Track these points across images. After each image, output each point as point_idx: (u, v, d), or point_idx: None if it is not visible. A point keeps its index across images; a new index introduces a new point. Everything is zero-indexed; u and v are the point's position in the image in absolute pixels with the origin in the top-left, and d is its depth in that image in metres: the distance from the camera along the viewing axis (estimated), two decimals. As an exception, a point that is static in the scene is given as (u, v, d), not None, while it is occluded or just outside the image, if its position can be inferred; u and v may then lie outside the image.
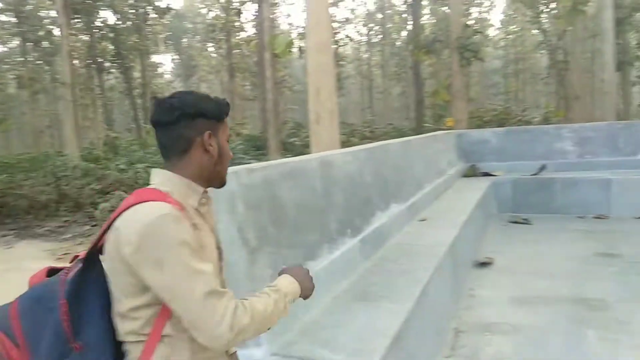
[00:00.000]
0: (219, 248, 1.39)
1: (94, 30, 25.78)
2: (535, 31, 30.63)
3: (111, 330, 1.24)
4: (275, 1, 28.30)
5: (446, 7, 27.76)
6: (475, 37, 13.33)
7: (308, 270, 1.49)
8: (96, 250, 1.26)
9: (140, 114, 27.42)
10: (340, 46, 29.66)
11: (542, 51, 29.72)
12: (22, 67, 29.10)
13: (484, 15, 39.94)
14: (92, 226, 9.92)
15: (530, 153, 8.75)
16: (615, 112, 13.04)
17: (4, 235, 9.81)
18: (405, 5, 31.73)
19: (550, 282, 4.75)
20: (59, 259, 7.72)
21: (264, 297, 1.29)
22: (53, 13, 23.89)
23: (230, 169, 2.57)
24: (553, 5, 21.65)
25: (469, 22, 17.67)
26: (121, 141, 20.98)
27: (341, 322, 2.66)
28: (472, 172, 8.66)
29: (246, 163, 4.79)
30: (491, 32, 40.84)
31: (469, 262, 5.31)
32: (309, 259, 3.02)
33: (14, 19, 27.65)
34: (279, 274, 1.44)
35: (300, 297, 1.42)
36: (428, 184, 6.38)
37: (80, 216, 11.04)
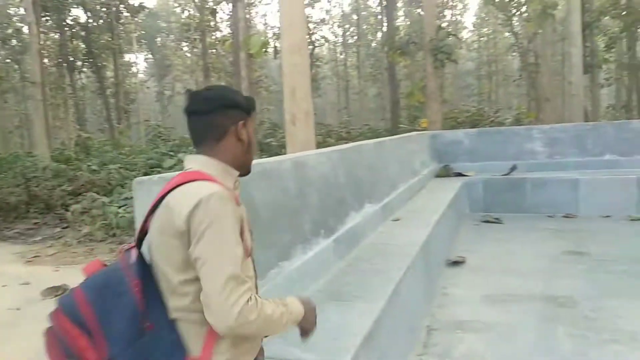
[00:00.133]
0: (250, 231, 1.46)
1: (65, 29, 25.27)
2: (507, 34, 31.21)
3: None
4: (251, 1, 28.20)
5: (420, 10, 28.09)
6: (448, 39, 13.48)
7: (315, 307, 1.52)
8: (144, 234, 1.36)
9: (113, 114, 26.96)
10: (316, 47, 29.70)
11: (514, 54, 30.30)
12: (-11, 66, 28.32)
13: (458, 17, 40.55)
14: (63, 228, 9.71)
15: (501, 154, 8.91)
16: (583, 113, 13.35)
17: (-29, 238, 9.53)
18: (380, 7, 31.97)
19: (521, 280, 4.85)
20: (29, 262, 7.54)
21: (273, 304, 1.32)
22: (22, 11, 23.29)
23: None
24: (524, 8, 22.10)
25: (442, 25, 17.88)
26: (93, 141, 20.56)
27: (314, 322, 2.66)
28: (445, 173, 8.77)
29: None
30: (464, 35, 41.47)
31: (442, 261, 5.38)
32: (283, 259, 3.02)
33: (-20, 16, 26.92)
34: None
35: (299, 326, 1.44)
36: (402, 184, 6.44)
37: (50, 218, 10.80)
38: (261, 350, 1.47)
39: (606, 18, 19.94)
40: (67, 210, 9.96)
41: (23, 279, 6.46)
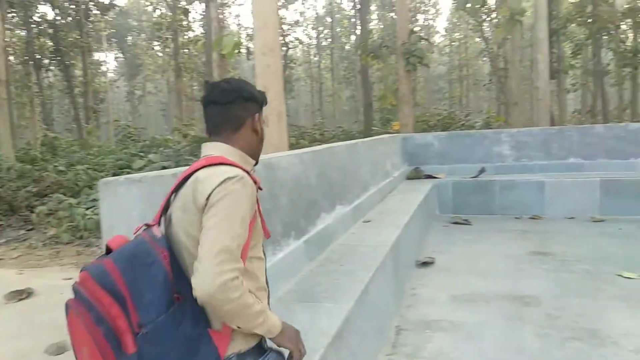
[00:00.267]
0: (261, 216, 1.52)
1: (31, 26, 24.62)
2: (477, 39, 31.83)
3: None
4: (225, 1, 28.01)
5: (393, 14, 28.38)
6: (420, 43, 13.67)
7: (299, 333, 1.56)
8: (166, 210, 1.42)
9: (81, 114, 26.36)
10: (290, 48, 29.70)
11: (485, 58, 30.92)
12: (-49, 62, 27.34)
13: (430, 22, 41.11)
14: (28, 230, 9.44)
15: (471, 156, 9.08)
16: (549, 118, 13.68)
17: None
18: (353, 10, 32.16)
19: (488, 280, 4.95)
20: (-9, 265, 7.31)
21: (256, 299, 1.35)
22: (-14, 6, 22.59)
23: (172, 171, 2.54)
24: (494, 14, 22.57)
25: (415, 29, 18.08)
26: (61, 141, 20.07)
27: (284, 323, 2.66)
28: (415, 175, 8.88)
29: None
30: (436, 39, 42.09)
31: (411, 261, 5.45)
32: (253, 260, 3.01)
33: (-58, 11, 25.99)
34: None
35: (275, 341, 1.45)
36: (373, 186, 6.49)
37: (14, 220, 10.47)
38: None
39: (572, 25, 20.51)
40: (32, 212, 9.70)
41: (-15, 282, 6.26)
